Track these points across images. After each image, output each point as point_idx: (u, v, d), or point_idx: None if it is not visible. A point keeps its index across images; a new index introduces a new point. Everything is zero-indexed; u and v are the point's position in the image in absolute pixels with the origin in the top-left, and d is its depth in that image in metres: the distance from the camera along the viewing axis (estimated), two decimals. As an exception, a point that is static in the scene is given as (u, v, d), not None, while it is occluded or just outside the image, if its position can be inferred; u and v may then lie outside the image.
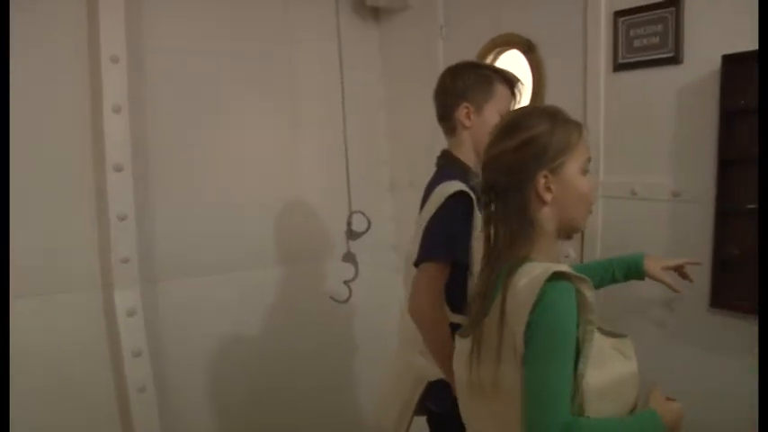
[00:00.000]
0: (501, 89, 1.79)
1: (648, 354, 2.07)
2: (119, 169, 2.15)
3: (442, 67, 2.80)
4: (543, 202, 1.25)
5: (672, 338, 2.04)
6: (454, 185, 1.66)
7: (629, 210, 2.14)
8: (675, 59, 1.99)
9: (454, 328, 1.62)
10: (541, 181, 1.24)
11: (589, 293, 1.18)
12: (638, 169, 2.12)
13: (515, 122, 1.29)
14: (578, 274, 1.17)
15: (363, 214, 2.54)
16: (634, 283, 1.95)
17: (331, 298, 2.58)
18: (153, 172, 2.33)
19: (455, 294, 1.67)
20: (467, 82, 1.79)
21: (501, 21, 2.51)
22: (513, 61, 2.53)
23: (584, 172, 1.28)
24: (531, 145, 1.24)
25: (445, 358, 1.56)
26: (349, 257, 2.55)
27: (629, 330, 2.04)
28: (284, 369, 2.68)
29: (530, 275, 1.17)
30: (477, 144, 1.76)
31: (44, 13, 2.08)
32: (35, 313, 2.07)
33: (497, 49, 2.58)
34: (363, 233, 2.54)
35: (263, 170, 2.64)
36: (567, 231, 1.32)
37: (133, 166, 2.20)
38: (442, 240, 1.65)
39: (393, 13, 3.00)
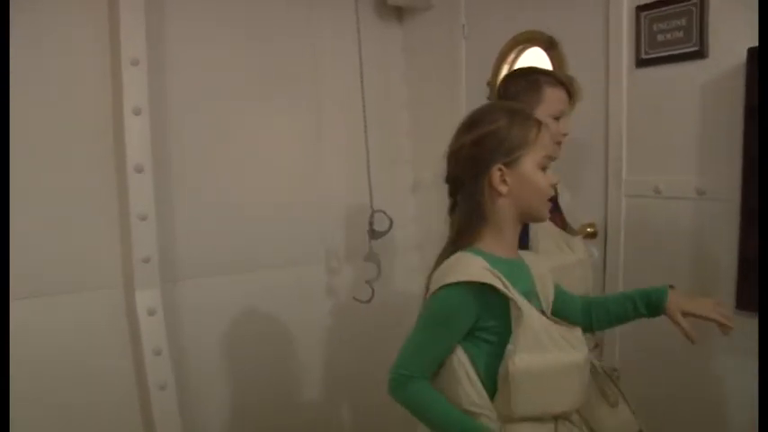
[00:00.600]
0: (551, 92, 1.79)
1: (672, 356, 2.04)
2: (139, 170, 2.17)
3: (464, 67, 2.83)
4: (499, 194, 1.32)
5: (699, 342, 1.98)
6: None
7: (653, 208, 2.09)
8: (700, 54, 1.94)
9: None
10: (496, 173, 1.31)
11: (506, 285, 1.26)
12: (662, 167, 2.07)
13: (476, 118, 1.37)
14: (475, 280, 1.25)
15: (385, 213, 2.53)
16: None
17: (354, 298, 2.58)
18: (174, 173, 2.35)
19: None
20: (517, 89, 1.82)
21: (522, 18, 2.48)
22: (535, 59, 2.49)
23: (543, 168, 1.34)
24: (488, 139, 1.32)
25: None
26: (371, 257, 2.55)
27: (650, 332, 2.04)
28: (305, 369, 2.68)
29: (444, 270, 1.31)
30: None
31: (65, 15, 2.11)
32: (58, 311, 2.10)
33: (519, 47, 2.55)
34: (385, 233, 2.54)
35: (285, 170, 2.65)
36: (529, 220, 1.42)
37: (154, 167, 2.22)
38: None
39: (416, 13, 2.99)
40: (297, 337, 2.66)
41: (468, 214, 1.34)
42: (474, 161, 1.32)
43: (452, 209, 1.40)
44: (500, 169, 1.30)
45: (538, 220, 1.42)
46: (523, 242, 1.68)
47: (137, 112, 2.17)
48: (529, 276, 1.41)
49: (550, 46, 2.39)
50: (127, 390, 2.22)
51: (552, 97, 1.79)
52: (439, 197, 2.86)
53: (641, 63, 2.10)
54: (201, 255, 2.41)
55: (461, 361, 1.30)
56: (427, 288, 1.35)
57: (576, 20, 2.29)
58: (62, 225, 2.12)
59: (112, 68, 2.18)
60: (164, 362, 2.21)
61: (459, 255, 1.32)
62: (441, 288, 1.28)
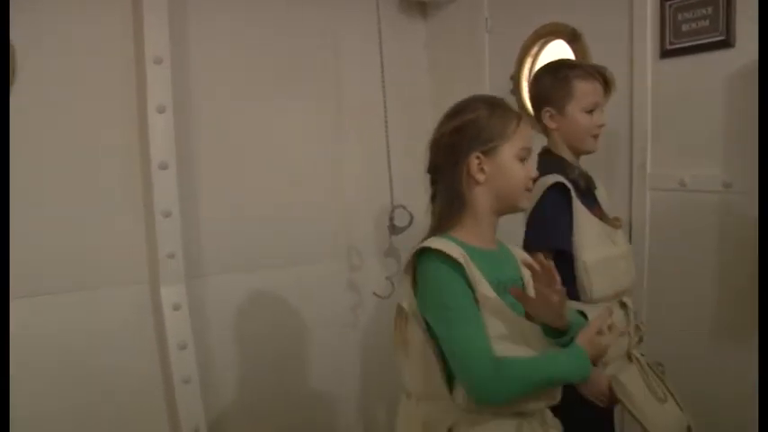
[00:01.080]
0: (581, 86, 1.77)
1: (700, 353, 2.00)
2: (163, 167, 2.20)
3: (487, 61, 2.80)
4: (477, 182, 1.35)
5: (725, 337, 1.95)
6: (552, 177, 1.70)
7: (678, 202, 2.06)
8: (727, 43, 1.90)
9: None
10: (474, 161, 1.34)
11: (471, 270, 1.27)
12: (688, 160, 2.04)
13: (457, 108, 1.40)
14: (449, 254, 1.26)
15: (405, 208, 2.53)
16: (687, 280, 1.88)
17: (374, 293, 2.58)
18: (197, 170, 2.37)
19: (568, 282, 1.65)
20: (545, 86, 1.81)
21: (545, 10, 2.45)
22: (558, 51, 2.46)
23: (522, 159, 1.37)
24: (467, 128, 1.35)
25: None
26: (391, 252, 2.56)
27: (678, 328, 2.01)
28: (326, 364, 2.69)
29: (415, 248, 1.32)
30: (569, 142, 1.82)
31: (90, 14, 2.14)
32: (84, 307, 2.14)
33: (542, 40, 2.52)
34: (406, 228, 2.54)
35: (307, 167, 2.65)
36: (508, 210, 1.41)
37: (178, 164, 2.24)
38: (544, 231, 1.70)
39: (439, 7, 2.98)
40: (319, 332, 2.66)
41: (447, 202, 1.37)
42: (453, 149, 1.35)
43: (433, 198, 1.42)
44: (478, 157, 1.33)
45: (515, 210, 1.43)
46: (563, 240, 1.68)
47: (161, 110, 2.20)
48: (513, 266, 1.43)
49: (573, 38, 2.36)
50: (152, 384, 2.25)
51: (583, 91, 1.77)
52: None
53: (666, 54, 2.06)
54: (225, 251, 2.44)
55: (418, 347, 1.32)
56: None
57: (600, 11, 2.25)
58: (88, 222, 2.15)
59: (136, 67, 2.21)
60: (188, 356, 2.24)
61: (432, 239, 1.33)
62: (420, 267, 1.30)
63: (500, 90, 2.67)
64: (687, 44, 1.99)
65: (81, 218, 2.14)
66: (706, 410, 1.96)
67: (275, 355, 2.56)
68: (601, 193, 1.89)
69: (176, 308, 2.24)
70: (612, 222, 1.83)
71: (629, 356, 1.77)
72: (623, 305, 1.78)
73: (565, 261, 1.67)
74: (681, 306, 2.05)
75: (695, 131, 2.01)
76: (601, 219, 1.79)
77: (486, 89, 2.76)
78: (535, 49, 2.55)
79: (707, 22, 1.94)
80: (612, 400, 1.69)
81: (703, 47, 1.95)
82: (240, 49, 2.48)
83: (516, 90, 2.62)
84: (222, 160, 2.44)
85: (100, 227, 2.18)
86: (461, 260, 1.26)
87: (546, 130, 1.84)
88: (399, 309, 1.38)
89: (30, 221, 2.01)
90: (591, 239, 1.71)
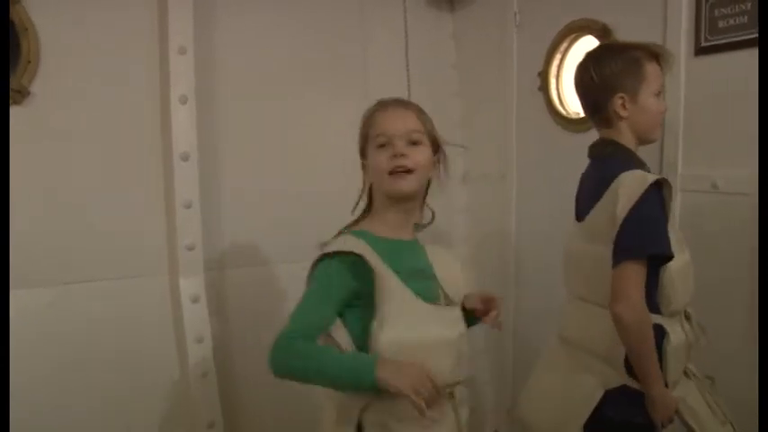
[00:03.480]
0: (651, 68, 1.65)
1: (734, 360, 1.93)
2: (185, 158, 2.19)
3: (515, 56, 2.75)
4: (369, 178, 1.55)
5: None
6: (648, 175, 1.57)
7: (710, 205, 1.99)
8: (765, 40, 1.83)
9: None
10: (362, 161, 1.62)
11: (374, 262, 1.37)
12: (721, 161, 1.97)
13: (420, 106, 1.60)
14: (349, 251, 1.39)
15: (427, 205, 2.49)
16: (719, 287, 1.84)
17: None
18: (219, 161, 2.36)
19: (649, 292, 1.57)
20: (614, 69, 1.64)
21: (575, 5, 2.40)
22: (588, 48, 2.39)
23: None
24: (362, 126, 1.62)
25: (651, 363, 1.54)
26: (413, 249, 2.52)
27: (711, 337, 1.94)
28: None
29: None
30: (638, 132, 1.69)
31: (115, 4, 2.14)
32: (104, 297, 2.14)
33: (572, 36, 2.47)
34: (427, 225, 2.49)
35: (330, 162, 2.60)
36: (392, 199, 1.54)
37: (199, 155, 2.23)
38: (645, 234, 1.55)
39: (468, 1, 2.93)
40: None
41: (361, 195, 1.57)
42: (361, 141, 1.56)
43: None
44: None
45: (391, 196, 1.52)
46: (665, 245, 1.55)
47: (183, 101, 2.19)
48: (423, 257, 1.57)
49: (604, 34, 2.30)
50: (169, 376, 2.25)
51: (653, 73, 1.65)
52: (492, 188, 2.81)
53: (701, 51, 1.99)
54: (246, 243, 2.43)
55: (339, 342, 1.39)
56: None
57: (632, 6, 2.19)
58: (109, 212, 2.16)
59: (160, 57, 2.20)
60: (205, 350, 2.24)
61: (338, 239, 1.49)
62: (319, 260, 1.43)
63: (527, 86, 2.63)
64: (723, 41, 1.93)
65: (102, 208, 2.15)
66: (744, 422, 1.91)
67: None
68: None
69: (195, 300, 2.24)
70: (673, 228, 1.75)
71: (686, 372, 1.69)
72: (687, 317, 1.69)
73: (654, 266, 1.57)
74: (713, 314, 1.98)
75: (729, 132, 1.94)
76: None
77: (513, 85, 2.72)
78: (564, 46, 2.50)
79: (745, 19, 1.87)
80: (671, 422, 1.62)
81: (741, 44, 1.88)
82: (265, 41, 2.46)
83: (544, 87, 2.57)
84: (244, 152, 2.43)
85: (120, 217, 2.18)
86: (356, 250, 1.38)
87: (610, 121, 1.68)
88: None
89: (50, 211, 2.02)
90: (674, 244, 1.59)
